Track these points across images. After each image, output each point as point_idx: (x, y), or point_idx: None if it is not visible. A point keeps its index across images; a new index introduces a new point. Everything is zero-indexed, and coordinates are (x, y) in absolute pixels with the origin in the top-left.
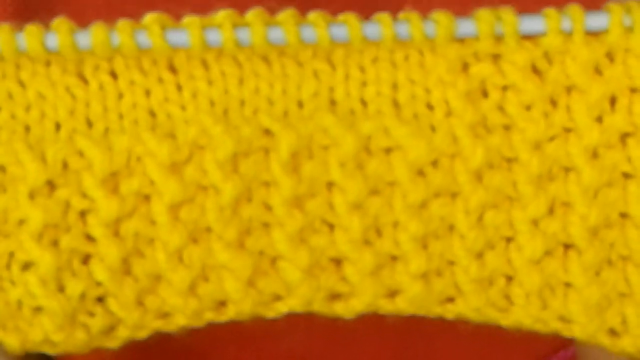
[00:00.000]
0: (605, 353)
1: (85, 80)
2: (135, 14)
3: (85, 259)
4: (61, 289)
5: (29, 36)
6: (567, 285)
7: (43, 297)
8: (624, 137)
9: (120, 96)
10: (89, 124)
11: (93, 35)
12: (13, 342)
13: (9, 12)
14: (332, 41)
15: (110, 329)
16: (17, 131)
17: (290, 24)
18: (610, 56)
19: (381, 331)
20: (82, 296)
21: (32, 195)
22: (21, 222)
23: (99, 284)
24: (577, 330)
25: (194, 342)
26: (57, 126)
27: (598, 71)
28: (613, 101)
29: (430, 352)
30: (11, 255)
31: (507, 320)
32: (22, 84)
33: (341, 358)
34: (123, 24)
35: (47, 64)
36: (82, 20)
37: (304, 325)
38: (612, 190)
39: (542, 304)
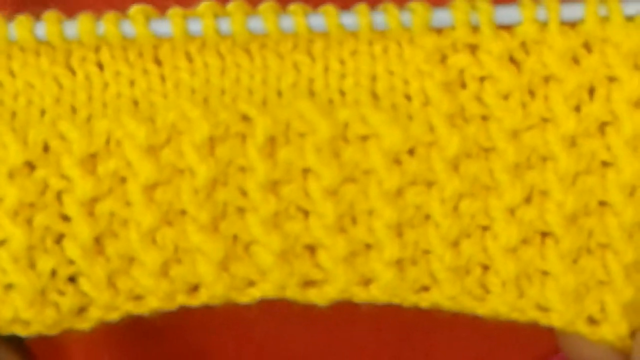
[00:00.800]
0: (586, 342)
1: (72, 71)
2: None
3: (59, 239)
4: (32, 265)
5: (19, 25)
6: (544, 273)
7: (14, 272)
8: (603, 125)
9: (106, 86)
10: (73, 110)
11: (80, 24)
12: None
13: (9, 12)
14: (311, 30)
15: (81, 310)
16: (3, 116)
17: (270, 13)
18: (587, 46)
19: (381, 332)
20: (53, 273)
21: (11, 175)
22: (0, 200)
23: (71, 262)
24: (555, 319)
25: (194, 342)
26: (42, 112)
27: (575, 61)
28: (592, 90)
29: (430, 352)
30: None
31: (483, 308)
32: (12, 74)
33: (341, 359)
34: (109, 14)
35: (37, 54)
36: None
37: (304, 325)
38: (591, 178)
39: (519, 292)
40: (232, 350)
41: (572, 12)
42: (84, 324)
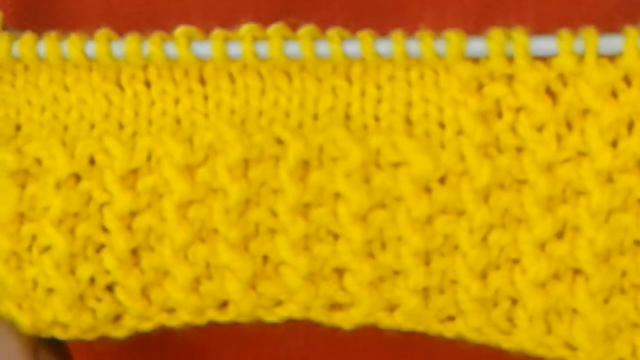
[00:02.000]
0: None
1: (122, 88)
2: (133, 16)
3: (99, 249)
4: (73, 272)
5: (71, 44)
6: (574, 311)
7: (55, 278)
8: None
9: (152, 103)
10: (120, 126)
11: (127, 45)
12: (26, 321)
13: (9, 12)
14: (346, 56)
15: (116, 318)
16: (56, 129)
17: (307, 39)
18: (627, 80)
19: (381, 332)
20: (91, 281)
21: (58, 186)
22: (45, 209)
23: (107, 272)
24: (582, 358)
25: (195, 343)
26: (92, 127)
27: (614, 94)
28: (630, 125)
29: (430, 352)
30: (34, 238)
31: (509, 343)
32: (66, 89)
33: (342, 359)
34: (154, 35)
35: (89, 70)
36: (81, 21)
37: (304, 332)
38: (626, 215)
39: (547, 328)
40: (233, 350)
41: (611, 44)
42: (119, 332)
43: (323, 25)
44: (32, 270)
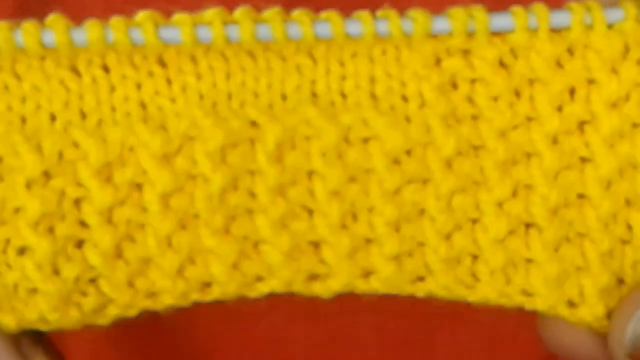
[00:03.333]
0: (566, 330)
1: (78, 74)
2: (131, 13)
3: (79, 244)
4: (56, 272)
5: (26, 34)
6: (529, 261)
7: (39, 280)
8: (582, 124)
9: (112, 89)
10: (83, 115)
11: (88, 33)
12: (9, 322)
13: (8, 12)
14: (316, 37)
15: (101, 307)
16: (13, 122)
17: (277, 22)
18: (570, 51)
19: (381, 332)
20: (76, 279)
21: (29, 185)
22: (17, 210)
23: (92, 267)
24: (539, 303)
25: (194, 340)
26: (52, 117)
27: (559, 65)
28: (572, 92)
29: (431, 353)
30: (7, 241)
31: (473, 296)
32: (17, 77)
33: (343, 359)
34: (116, 21)
35: (42, 57)
36: (79, 20)
37: (307, 324)
38: (571, 173)
39: (506, 279)
40: (235, 349)
41: (559, 19)
42: (103, 320)
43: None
44: (12, 274)
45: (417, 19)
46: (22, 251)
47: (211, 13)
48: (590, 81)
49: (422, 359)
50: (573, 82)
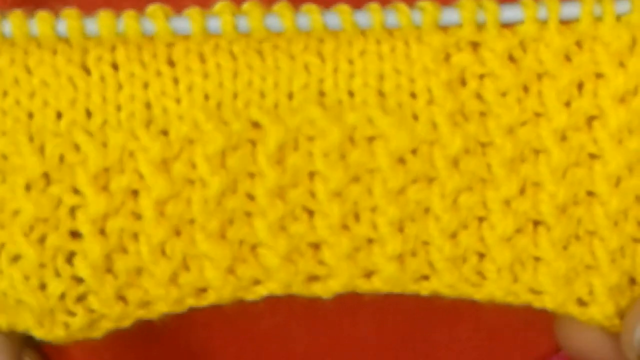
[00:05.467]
0: (581, 332)
1: (88, 71)
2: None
3: (69, 258)
4: (42, 287)
5: (41, 21)
6: (537, 259)
7: (24, 292)
8: (590, 119)
9: (120, 88)
10: (88, 114)
11: (100, 21)
12: (2, 323)
13: (7, 8)
14: (326, 28)
15: (91, 324)
16: (20, 119)
17: (287, 12)
18: (579, 44)
19: (382, 332)
20: (62, 296)
21: (28, 187)
22: (15, 213)
23: (80, 281)
24: (547, 301)
25: (194, 337)
26: (58, 115)
27: (568, 58)
28: (580, 86)
29: (431, 352)
30: (2, 246)
31: (480, 294)
32: (28, 71)
33: (343, 359)
34: (130, 11)
35: (54, 52)
36: None
37: (306, 324)
38: (579, 169)
39: (513, 277)
40: (233, 350)
41: (569, 11)
42: (96, 334)
43: None
44: (2, 282)
45: (427, 9)
46: (15, 259)
47: (220, 5)
48: (598, 75)
49: (422, 357)
50: (581, 76)
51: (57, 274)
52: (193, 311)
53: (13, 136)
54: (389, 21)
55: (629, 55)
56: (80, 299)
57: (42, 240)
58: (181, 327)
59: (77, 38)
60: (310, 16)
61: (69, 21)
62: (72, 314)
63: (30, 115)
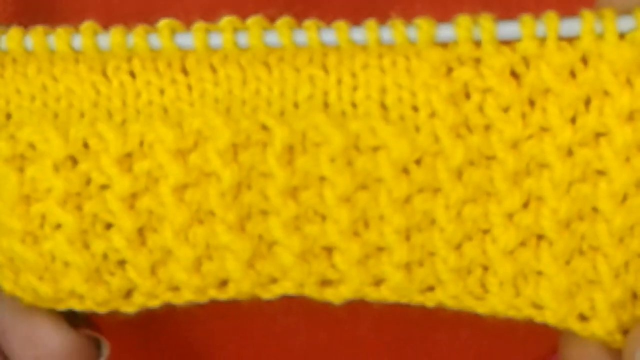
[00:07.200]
0: (582, 342)
1: (108, 79)
2: (133, 14)
3: (108, 226)
4: (86, 247)
5: (58, 38)
6: (539, 273)
7: (70, 253)
8: (597, 136)
9: (138, 94)
10: (109, 115)
11: (112, 37)
12: (47, 290)
13: (9, 11)
14: (323, 44)
15: (127, 293)
16: (47, 116)
17: (285, 29)
18: (584, 60)
19: (382, 332)
20: (105, 256)
21: (56, 168)
22: (48, 190)
23: (118, 250)
24: (548, 316)
25: (195, 340)
26: (82, 114)
27: (573, 74)
28: (588, 102)
29: (431, 352)
30: (43, 217)
31: (482, 307)
32: (54, 79)
33: (342, 358)
34: (138, 27)
35: (76, 62)
36: (80, 21)
37: (306, 324)
38: (584, 185)
39: (516, 291)
40: (234, 348)
41: (570, 28)
42: (129, 308)
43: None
44: (48, 245)
45: (422, 27)
46: (57, 226)
47: (224, 21)
48: (605, 93)
49: (422, 357)
50: (588, 92)
51: (98, 237)
52: (194, 309)
53: (40, 127)
54: (385, 37)
55: (636, 73)
56: (121, 263)
57: (78, 208)
58: (182, 325)
59: (91, 52)
60: (308, 34)
61: (83, 39)
62: (112, 274)
63: (56, 115)
